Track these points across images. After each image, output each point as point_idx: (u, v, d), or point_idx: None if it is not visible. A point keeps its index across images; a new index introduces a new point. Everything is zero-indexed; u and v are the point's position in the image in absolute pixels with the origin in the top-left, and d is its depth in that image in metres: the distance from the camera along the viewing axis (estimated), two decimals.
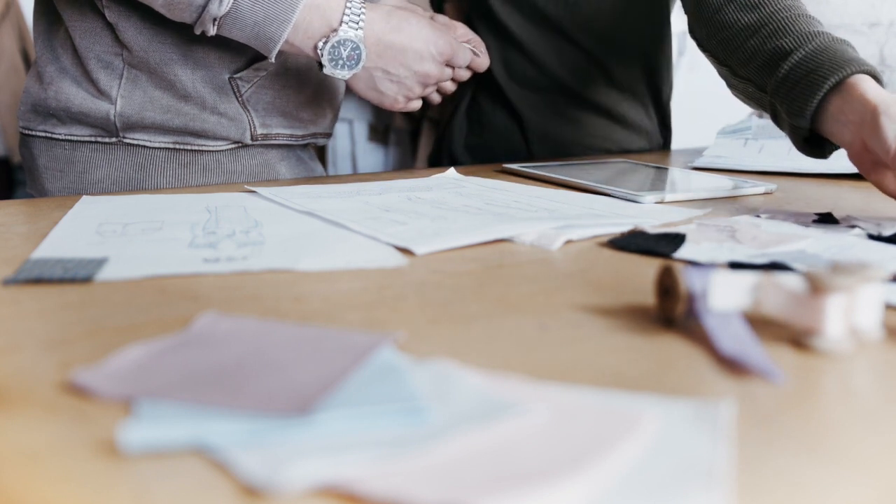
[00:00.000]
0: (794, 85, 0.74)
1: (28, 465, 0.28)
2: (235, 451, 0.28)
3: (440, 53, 0.84)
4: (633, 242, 0.60)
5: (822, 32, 0.76)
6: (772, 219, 0.69)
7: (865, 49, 1.29)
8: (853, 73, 0.70)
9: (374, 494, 0.26)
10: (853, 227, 0.66)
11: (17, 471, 0.27)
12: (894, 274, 0.50)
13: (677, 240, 0.60)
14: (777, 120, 0.79)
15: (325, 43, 0.78)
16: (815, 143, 0.77)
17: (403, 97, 0.86)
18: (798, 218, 0.70)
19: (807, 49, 0.74)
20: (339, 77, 0.81)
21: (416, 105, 0.89)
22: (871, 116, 0.67)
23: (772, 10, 0.81)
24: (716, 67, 0.89)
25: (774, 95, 0.77)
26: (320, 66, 0.80)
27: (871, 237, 0.63)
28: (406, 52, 0.82)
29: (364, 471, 0.27)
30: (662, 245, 0.59)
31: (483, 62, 0.92)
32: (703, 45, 0.91)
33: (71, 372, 0.35)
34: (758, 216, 0.70)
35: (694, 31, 0.92)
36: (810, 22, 0.79)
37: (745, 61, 0.81)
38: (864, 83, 0.69)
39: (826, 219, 0.69)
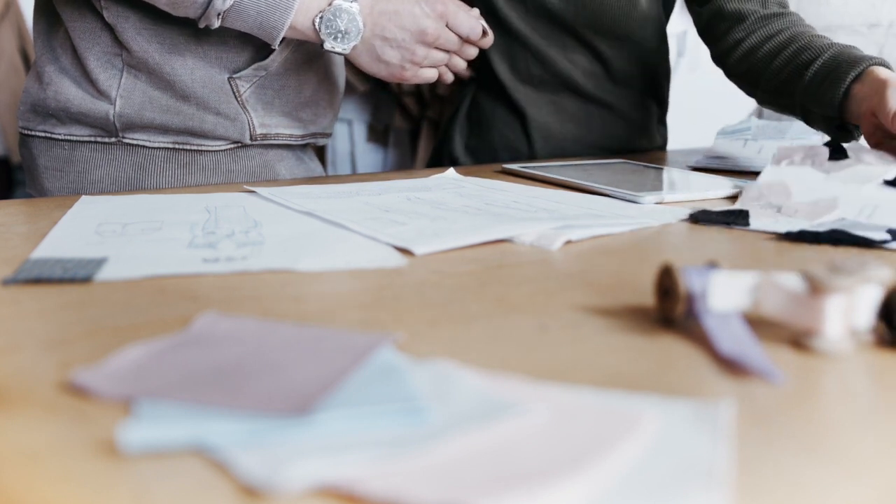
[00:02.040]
0: (822, 82, 0.89)
1: (28, 465, 0.28)
2: (235, 451, 0.28)
3: (433, 10, 0.86)
4: (707, 217, 0.68)
5: (837, 43, 0.93)
6: (791, 164, 0.78)
7: (865, 49, 1.29)
8: (870, 65, 0.86)
9: (373, 494, 0.26)
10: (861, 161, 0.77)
11: (17, 471, 0.27)
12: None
13: (743, 214, 0.68)
14: (808, 117, 0.93)
15: (322, 18, 0.81)
16: (844, 129, 0.90)
17: (409, 63, 0.87)
18: (814, 158, 0.78)
19: (827, 55, 0.90)
20: (341, 51, 0.83)
21: (427, 74, 0.89)
22: (881, 88, 0.81)
23: (790, 35, 0.96)
24: (743, 89, 1.04)
25: (804, 96, 0.91)
26: (321, 45, 0.82)
27: (888, 183, 0.72)
28: (399, 14, 0.84)
29: (364, 471, 0.27)
30: (734, 218, 0.67)
31: (489, 39, 0.93)
32: (730, 73, 1.05)
33: (71, 372, 0.35)
34: (778, 164, 0.79)
35: (720, 62, 1.06)
36: (823, 38, 0.95)
37: (771, 78, 0.96)
38: (879, 70, 0.85)
39: (837, 150, 0.79)
